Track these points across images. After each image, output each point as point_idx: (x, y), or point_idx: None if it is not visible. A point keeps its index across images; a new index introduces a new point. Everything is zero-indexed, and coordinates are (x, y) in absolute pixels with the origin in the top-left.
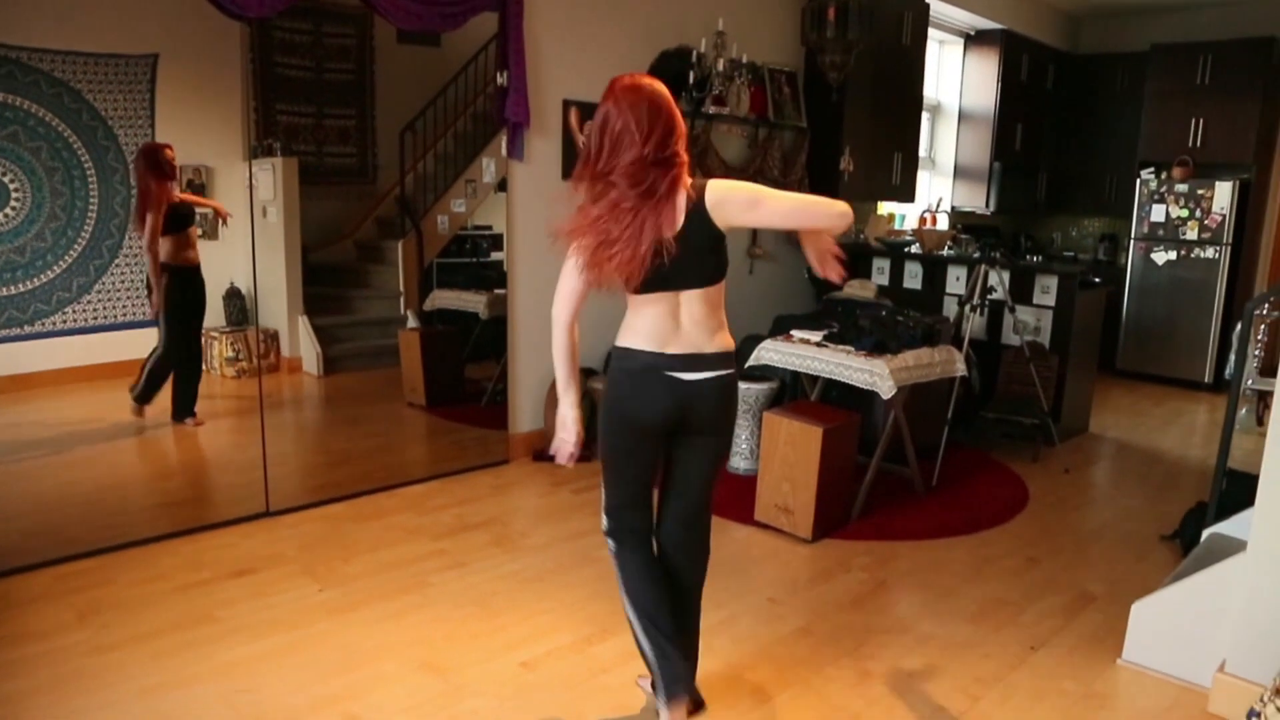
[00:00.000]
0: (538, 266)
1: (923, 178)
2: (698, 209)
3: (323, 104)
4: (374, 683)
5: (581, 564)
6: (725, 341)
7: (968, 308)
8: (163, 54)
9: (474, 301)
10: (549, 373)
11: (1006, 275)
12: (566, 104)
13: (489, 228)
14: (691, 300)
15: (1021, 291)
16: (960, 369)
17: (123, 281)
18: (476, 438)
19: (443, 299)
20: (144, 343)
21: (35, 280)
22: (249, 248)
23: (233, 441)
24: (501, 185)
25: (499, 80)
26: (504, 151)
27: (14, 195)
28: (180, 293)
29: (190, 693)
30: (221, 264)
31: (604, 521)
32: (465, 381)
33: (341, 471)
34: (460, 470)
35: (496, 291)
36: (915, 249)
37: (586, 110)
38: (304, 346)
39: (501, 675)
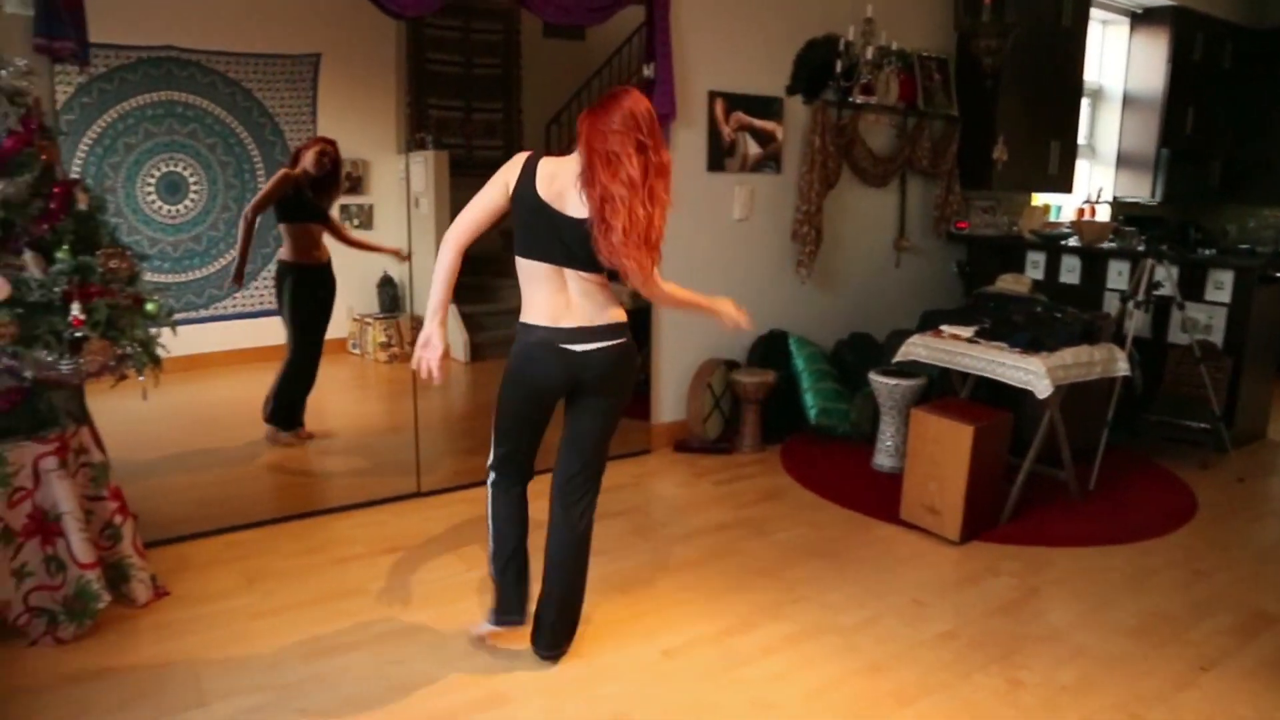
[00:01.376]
0: (684, 258)
1: (1081, 167)
2: None
3: (471, 98)
4: (516, 662)
5: (722, 556)
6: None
7: (1131, 304)
8: (325, 54)
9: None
10: (692, 364)
11: (1175, 269)
12: (713, 95)
13: None
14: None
15: (1191, 287)
16: (1122, 368)
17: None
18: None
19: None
20: None
21: (209, 267)
22: (403, 238)
23: (386, 424)
24: None
25: (645, 72)
26: None
27: (193, 188)
28: (302, 292)
29: (345, 659)
30: (374, 253)
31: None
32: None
33: (486, 456)
34: None
35: None
36: (1073, 242)
37: (732, 101)
38: (452, 333)
39: (641, 662)
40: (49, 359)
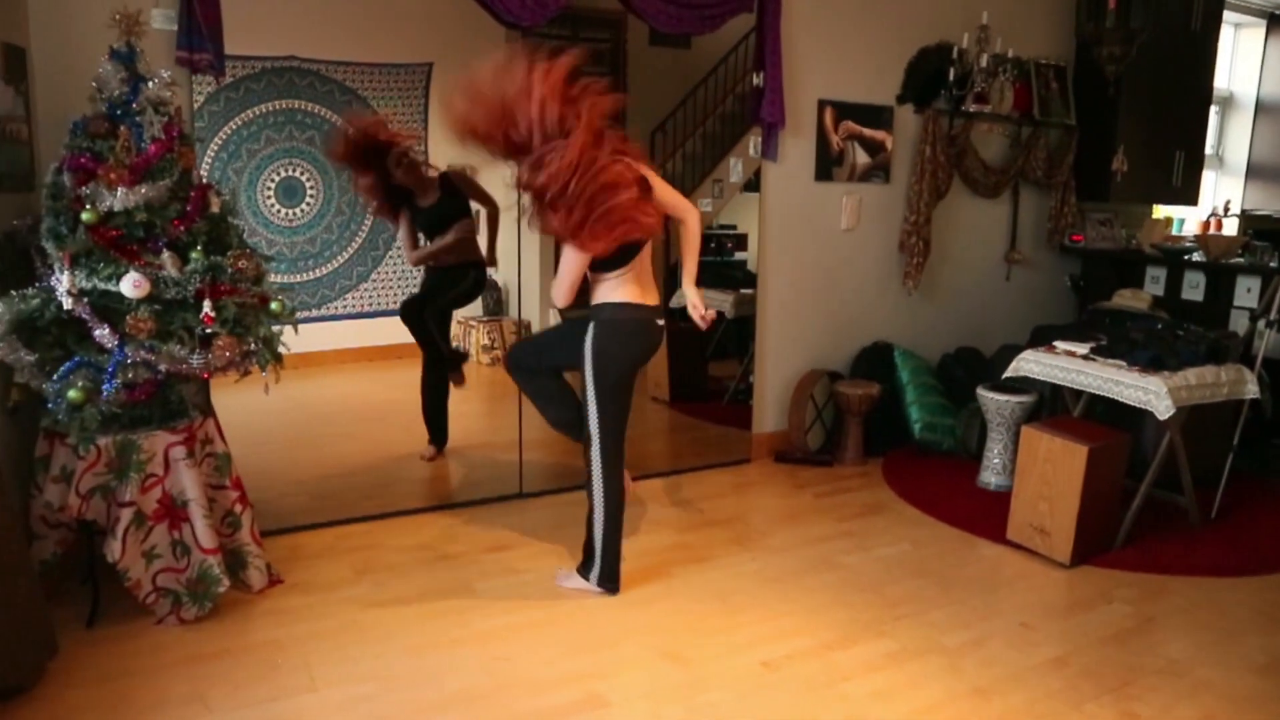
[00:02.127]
0: (789, 267)
1: (1207, 178)
2: None
3: None
4: (617, 665)
5: (823, 569)
6: None
7: (1262, 323)
8: (436, 62)
9: (720, 300)
10: (795, 374)
11: None
12: (822, 104)
13: (733, 227)
14: None
15: None
16: (1251, 390)
17: (394, 272)
18: (718, 435)
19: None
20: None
21: (323, 269)
22: (512, 245)
23: (489, 425)
24: (748, 185)
25: (755, 81)
26: (753, 151)
27: (309, 192)
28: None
29: (451, 654)
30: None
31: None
32: (708, 379)
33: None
34: (702, 466)
35: (742, 291)
36: (1198, 256)
37: (842, 110)
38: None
39: (741, 672)
40: (182, 353)
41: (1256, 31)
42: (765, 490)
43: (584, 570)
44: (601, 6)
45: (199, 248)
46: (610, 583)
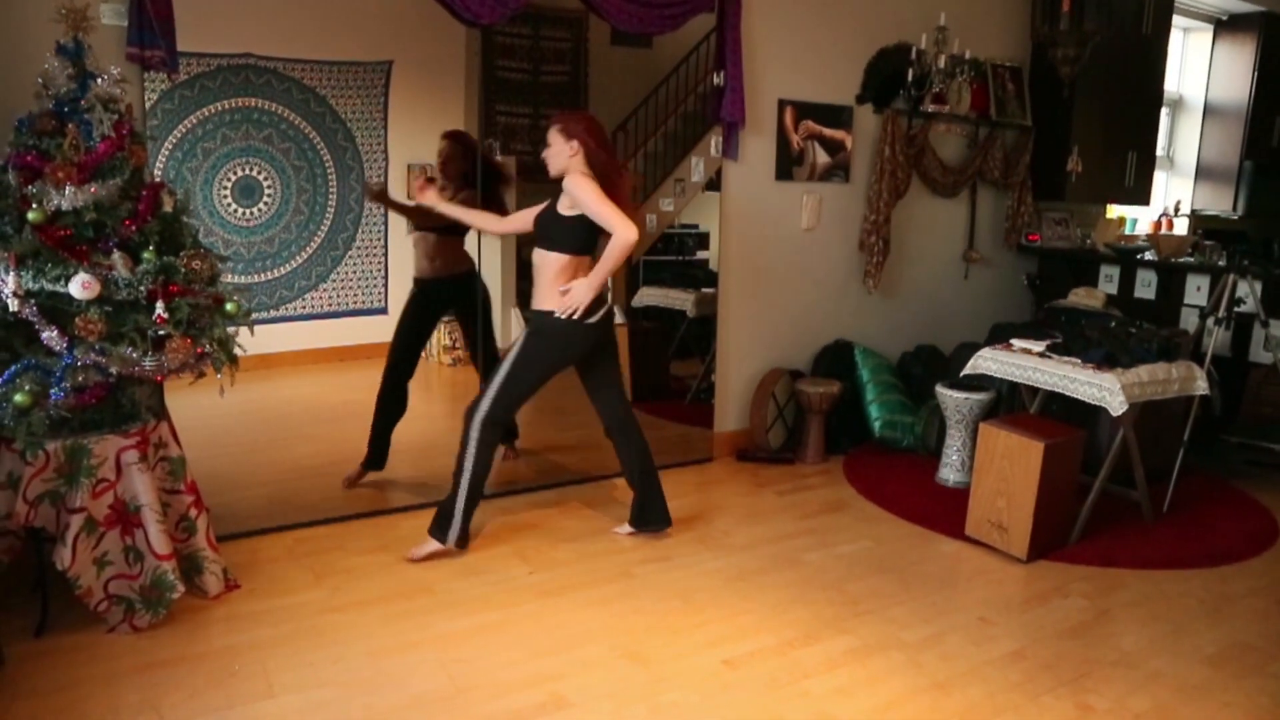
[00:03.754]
0: (750, 266)
1: (1159, 178)
2: None
3: (539, 105)
4: (579, 666)
5: (785, 567)
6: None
7: (1211, 320)
8: (396, 60)
9: (682, 299)
10: (757, 373)
11: (1258, 285)
12: (782, 103)
13: (695, 226)
14: None
15: (1276, 303)
16: (1201, 387)
17: (355, 272)
18: (680, 434)
19: (650, 296)
20: (373, 329)
21: (281, 269)
22: (472, 243)
23: (449, 426)
24: (710, 185)
25: (715, 80)
26: (714, 150)
27: (267, 191)
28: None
29: (411, 658)
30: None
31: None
32: (670, 378)
33: (548, 460)
34: (664, 465)
35: (704, 290)
36: (1150, 255)
37: (802, 110)
38: (515, 337)
39: (703, 671)
40: (134, 355)
41: (1204, 36)
42: (727, 489)
43: (440, 532)
44: (562, 5)
45: (151, 248)
46: (465, 543)
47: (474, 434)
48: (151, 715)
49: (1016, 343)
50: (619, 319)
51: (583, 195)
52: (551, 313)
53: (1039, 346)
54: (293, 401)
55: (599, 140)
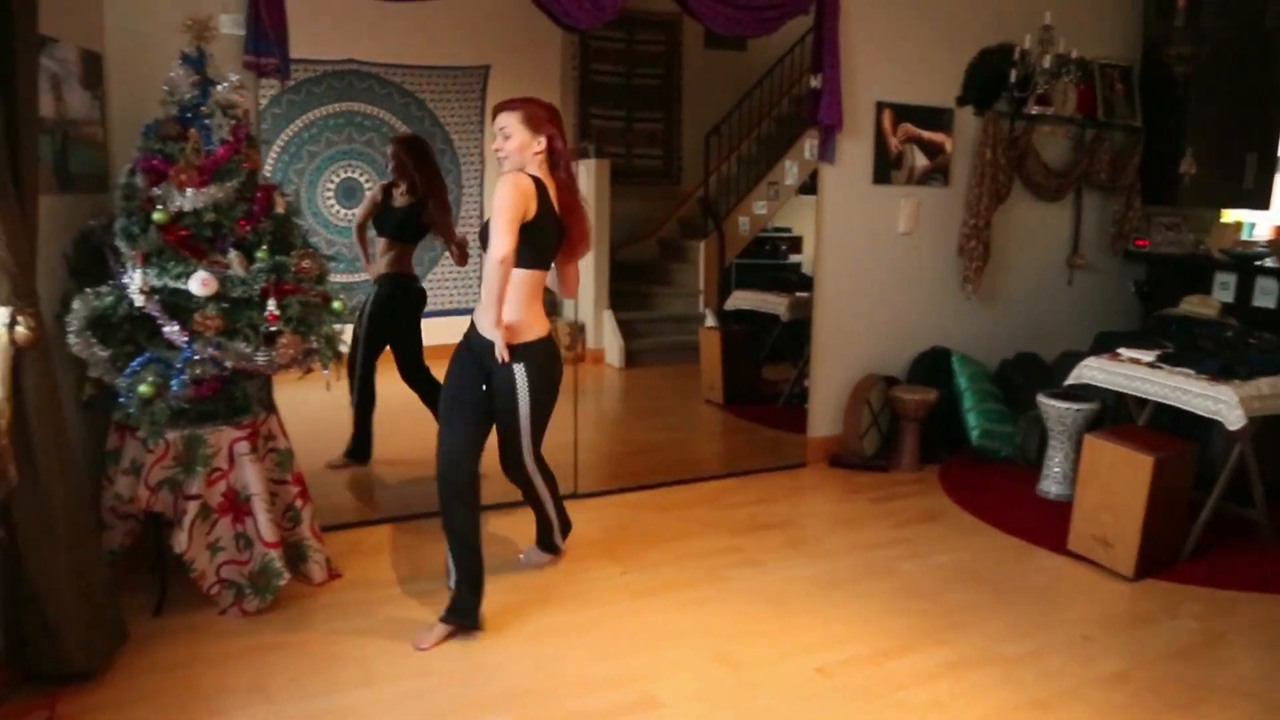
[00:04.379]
0: (846, 271)
1: None
2: None
3: (633, 108)
4: (669, 667)
5: (878, 575)
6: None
7: None
8: (494, 65)
9: (775, 303)
10: (851, 378)
11: None
12: (880, 106)
13: (788, 230)
14: None
15: None
16: None
17: (451, 272)
18: (772, 438)
19: (742, 299)
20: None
21: None
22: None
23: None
24: (803, 188)
25: (812, 83)
26: (809, 154)
27: (368, 193)
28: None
29: (504, 652)
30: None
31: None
32: (762, 382)
33: (642, 461)
34: (756, 470)
35: (798, 294)
36: (1270, 262)
37: (900, 112)
38: (608, 339)
39: (794, 677)
40: (247, 350)
41: None
42: (820, 494)
43: (548, 543)
44: (657, 9)
45: (264, 247)
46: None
47: (535, 478)
48: (259, 696)
49: (1124, 352)
50: (710, 321)
51: (497, 200)
52: (532, 342)
53: (1149, 356)
54: (393, 397)
55: (564, 138)
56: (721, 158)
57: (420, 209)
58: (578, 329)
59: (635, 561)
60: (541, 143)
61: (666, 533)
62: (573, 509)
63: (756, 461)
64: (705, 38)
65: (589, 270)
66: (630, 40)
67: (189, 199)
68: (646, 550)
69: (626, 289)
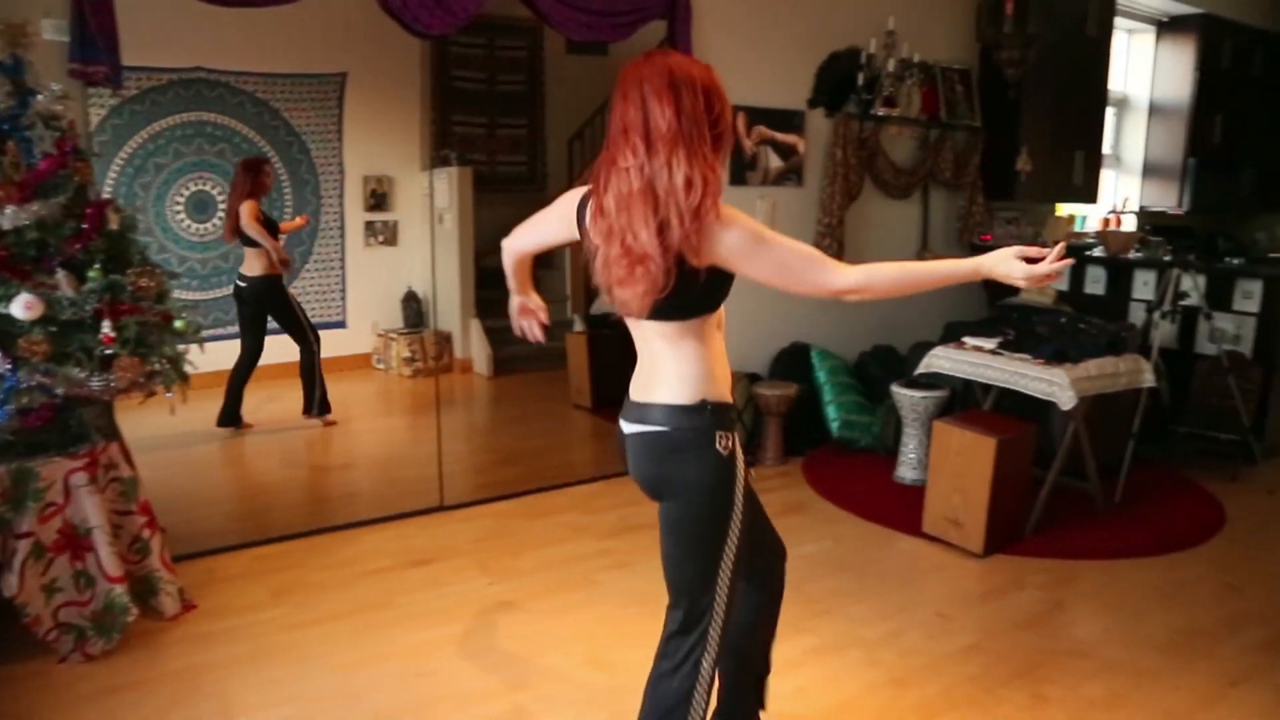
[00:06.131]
0: None
1: (1107, 177)
2: None
3: (495, 115)
4: (541, 676)
5: None
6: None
7: (1157, 314)
8: (350, 72)
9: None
10: None
11: (1202, 279)
12: (735, 109)
13: None
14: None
15: (1220, 297)
16: (1148, 380)
17: (313, 285)
18: None
19: (608, 303)
20: (334, 342)
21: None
22: (427, 254)
23: (409, 438)
24: None
25: None
26: None
27: (220, 206)
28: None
29: (373, 672)
30: (398, 269)
31: None
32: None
33: (510, 470)
34: (625, 473)
35: None
36: (1098, 252)
37: (754, 115)
38: (475, 348)
39: None
40: (80, 376)
41: (1147, 37)
42: None
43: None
44: (517, 15)
45: (97, 266)
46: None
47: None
48: None
49: (969, 340)
50: (578, 326)
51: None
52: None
53: (990, 344)
54: (251, 416)
55: None
56: (585, 163)
57: None
58: (444, 339)
59: (504, 571)
60: None
61: (536, 540)
62: (440, 521)
63: (618, 465)
64: (567, 44)
65: (454, 279)
66: (491, 46)
67: (8, 216)
68: (516, 559)
69: (493, 296)
